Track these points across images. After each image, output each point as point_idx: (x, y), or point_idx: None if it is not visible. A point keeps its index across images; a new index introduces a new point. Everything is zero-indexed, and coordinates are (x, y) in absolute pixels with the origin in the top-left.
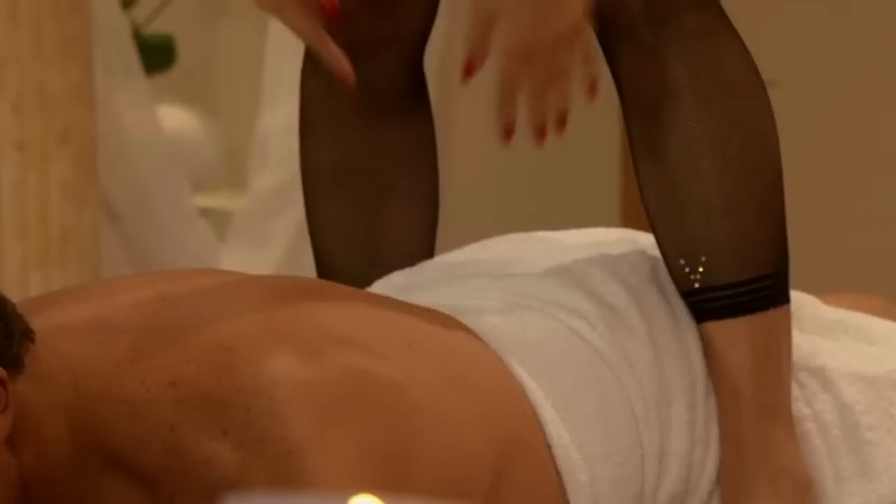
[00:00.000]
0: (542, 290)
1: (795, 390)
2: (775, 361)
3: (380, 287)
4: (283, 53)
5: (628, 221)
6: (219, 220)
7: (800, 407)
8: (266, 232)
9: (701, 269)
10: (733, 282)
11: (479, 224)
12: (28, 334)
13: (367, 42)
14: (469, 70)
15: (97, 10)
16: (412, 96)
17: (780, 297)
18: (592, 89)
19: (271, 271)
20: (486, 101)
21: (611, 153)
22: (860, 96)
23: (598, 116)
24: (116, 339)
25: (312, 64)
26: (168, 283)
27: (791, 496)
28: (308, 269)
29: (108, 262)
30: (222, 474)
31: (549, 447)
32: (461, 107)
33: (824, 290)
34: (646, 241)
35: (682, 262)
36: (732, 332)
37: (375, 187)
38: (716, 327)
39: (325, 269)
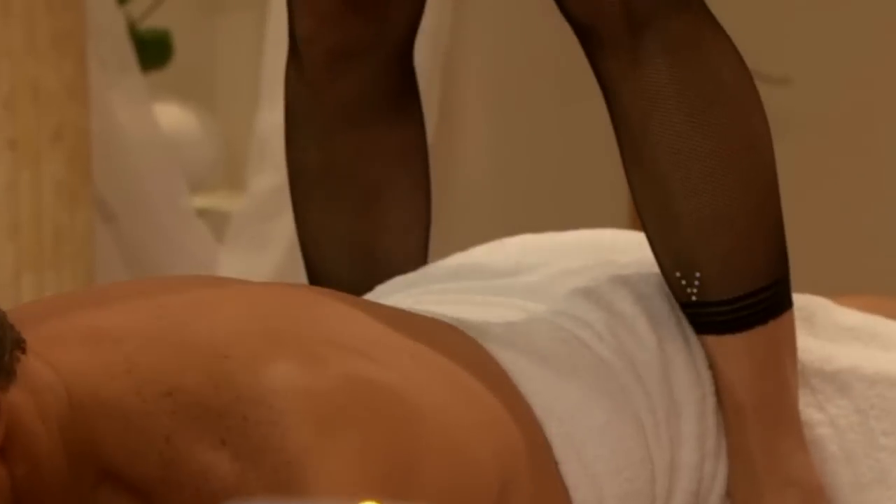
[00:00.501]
0: (549, 298)
1: (807, 395)
2: (777, 371)
3: (381, 293)
4: (282, 50)
5: (636, 221)
6: (217, 221)
7: (811, 412)
8: (265, 233)
9: (697, 284)
10: (729, 298)
11: (483, 224)
12: (20, 344)
13: (354, 43)
14: None
15: (92, 5)
16: (400, 95)
17: (779, 307)
18: None
19: (270, 273)
20: (489, 100)
21: (618, 152)
22: (874, 93)
23: (604, 115)
24: (110, 348)
25: (296, 62)
26: (163, 290)
27: None
28: None
29: (103, 264)
30: (220, 485)
31: (555, 463)
32: (464, 106)
33: (837, 290)
34: None
35: (678, 274)
36: (731, 347)
37: (365, 189)
38: (714, 342)
39: (316, 273)
